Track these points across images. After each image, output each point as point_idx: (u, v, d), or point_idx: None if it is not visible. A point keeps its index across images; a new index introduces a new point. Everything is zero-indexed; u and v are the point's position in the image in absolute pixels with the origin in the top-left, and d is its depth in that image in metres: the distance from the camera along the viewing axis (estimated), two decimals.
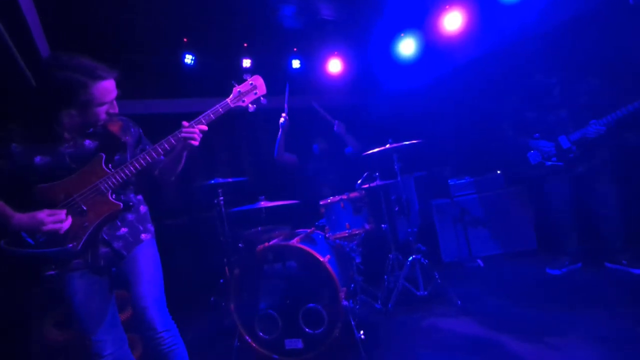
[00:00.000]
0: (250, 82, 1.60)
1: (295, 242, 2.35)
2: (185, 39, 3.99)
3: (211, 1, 3.40)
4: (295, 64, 4.60)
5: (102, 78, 1.39)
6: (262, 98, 1.64)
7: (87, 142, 1.49)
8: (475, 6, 3.75)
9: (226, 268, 3.23)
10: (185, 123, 1.52)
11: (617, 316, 2.11)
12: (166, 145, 1.50)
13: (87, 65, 1.36)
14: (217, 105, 1.55)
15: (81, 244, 1.38)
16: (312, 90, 5.00)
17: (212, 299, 3.42)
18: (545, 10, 3.35)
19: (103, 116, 1.45)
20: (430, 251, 3.37)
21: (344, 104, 5.35)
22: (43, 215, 1.30)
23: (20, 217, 1.29)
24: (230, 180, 3.17)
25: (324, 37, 4.38)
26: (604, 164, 2.68)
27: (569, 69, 2.78)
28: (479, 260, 3.53)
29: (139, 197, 1.67)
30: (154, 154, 1.49)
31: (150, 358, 1.49)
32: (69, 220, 1.36)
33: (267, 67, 4.51)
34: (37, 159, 1.39)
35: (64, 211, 1.35)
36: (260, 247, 2.39)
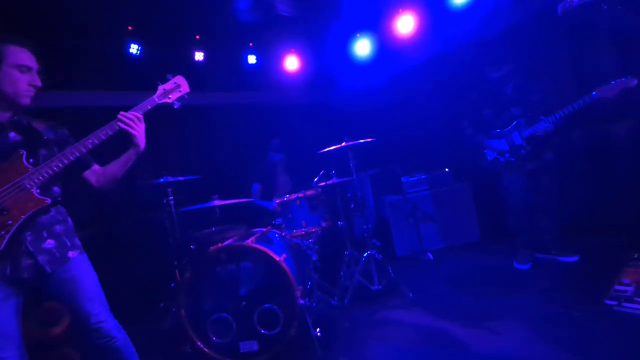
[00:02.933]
0: (174, 81, 1.72)
1: (250, 241, 2.29)
2: (130, 27, 3.71)
3: None
4: (251, 59, 4.49)
5: (14, 42, 1.41)
6: (185, 95, 1.75)
7: (12, 134, 1.43)
8: (427, 10, 3.93)
9: (177, 271, 3.07)
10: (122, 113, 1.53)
11: (546, 300, 2.34)
12: (101, 136, 1.48)
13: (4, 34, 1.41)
14: (144, 102, 1.61)
15: (4, 244, 1.29)
16: (269, 87, 4.92)
17: (161, 304, 3.23)
18: (488, 17, 3.60)
19: (22, 85, 1.41)
20: (385, 246, 3.48)
21: (300, 102, 5.34)
22: None
23: None
24: (180, 178, 3.01)
25: (281, 34, 4.32)
26: (549, 162, 2.83)
27: (518, 69, 2.89)
28: (429, 254, 3.71)
29: (63, 209, 1.60)
30: (82, 147, 1.45)
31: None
32: None
33: (221, 61, 4.36)
34: None
35: None
36: (213, 248, 2.30)
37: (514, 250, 3.06)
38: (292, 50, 4.65)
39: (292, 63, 4.66)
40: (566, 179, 3.19)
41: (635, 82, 2.39)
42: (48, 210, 1.46)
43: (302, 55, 4.69)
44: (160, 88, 1.68)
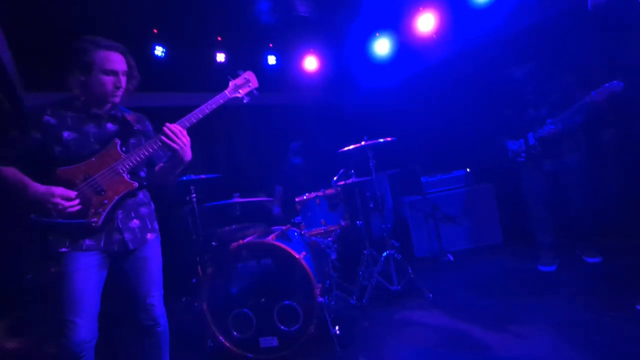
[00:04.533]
0: (244, 77, 1.79)
1: (270, 239, 2.33)
2: (155, 30, 3.84)
3: None
4: (271, 60, 4.55)
5: (104, 47, 1.54)
6: (254, 91, 1.82)
7: (109, 125, 1.63)
8: (448, 8, 3.87)
9: (198, 267, 3.15)
10: (168, 126, 1.55)
11: (573, 304, 2.26)
12: (158, 142, 1.57)
13: (94, 38, 1.55)
14: (217, 97, 1.69)
15: (102, 219, 1.49)
16: (288, 87, 4.97)
17: (183, 299, 3.32)
18: (512, 14, 3.51)
19: (109, 87, 1.55)
20: (404, 247, 3.45)
21: (319, 102, 5.36)
22: (56, 189, 1.41)
23: (37, 186, 1.41)
24: (203, 176, 3.09)
25: (300, 34, 4.36)
26: (572, 164, 2.76)
27: (540, 68, 2.85)
28: (449, 255, 3.65)
29: (148, 193, 1.77)
30: (152, 146, 1.58)
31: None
32: (76, 201, 1.45)
33: (241, 62, 4.42)
34: (65, 134, 1.51)
35: (76, 193, 1.45)
36: (235, 244, 2.35)
37: (536, 252, 2.99)
38: (312, 50, 4.67)
39: (311, 63, 4.69)
40: (594, 179, 3.09)
41: (622, 85, 2.37)
42: (136, 193, 1.64)
43: (321, 56, 4.71)
44: (232, 83, 1.75)
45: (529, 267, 3.00)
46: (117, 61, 1.57)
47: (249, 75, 1.79)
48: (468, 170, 3.91)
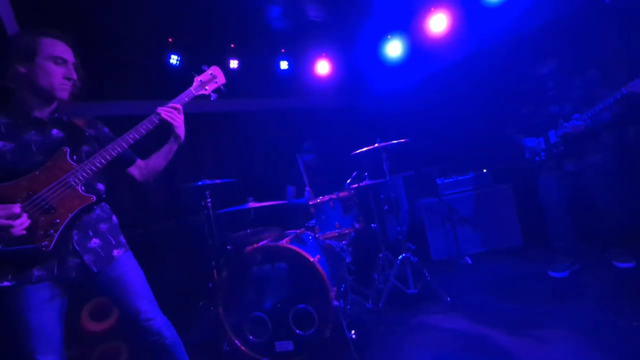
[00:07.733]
0: (210, 72, 1.67)
1: (284, 242, 2.33)
2: (170, 39, 3.94)
3: (197, 1, 3.37)
4: (283, 65, 4.59)
5: (51, 35, 1.38)
6: (222, 87, 1.70)
7: (55, 131, 1.41)
8: (460, 8, 3.82)
9: (214, 271, 3.18)
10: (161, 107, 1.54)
11: (599, 309, 2.16)
12: (141, 130, 1.48)
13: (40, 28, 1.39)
14: (182, 94, 1.61)
15: (53, 243, 1.27)
16: (301, 92, 5.00)
17: (200, 303, 3.35)
18: (528, 11, 3.44)
19: (58, 78, 1.36)
20: (420, 250, 3.39)
21: (332, 105, 5.37)
22: None
23: None
24: (217, 181, 3.12)
25: (311, 39, 4.39)
26: (596, 165, 2.64)
27: (562, 63, 2.75)
28: (467, 258, 3.57)
29: (107, 206, 1.60)
30: (123, 143, 1.43)
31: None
32: (24, 217, 1.22)
33: (254, 68, 4.49)
34: (0, 144, 1.29)
35: (18, 205, 1.22)
36: (249, 248, 2.36)
37: (552, 256, 2.87)
38: (323, 54, 4.70)
39: (323, 67, 4.71)
40: (624, 180, 2.95)
41: None
42: (93, 209, 1.44)
43: (333, 59, 4.73)
44: (197, 80, 1.65)
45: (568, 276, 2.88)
46: (65, 49, 1.39)
47: (215, 70, 1.68)
48: (485, 171, 3.83)
